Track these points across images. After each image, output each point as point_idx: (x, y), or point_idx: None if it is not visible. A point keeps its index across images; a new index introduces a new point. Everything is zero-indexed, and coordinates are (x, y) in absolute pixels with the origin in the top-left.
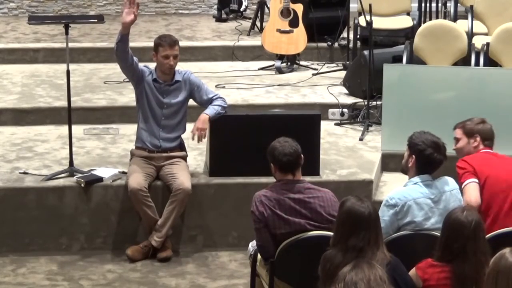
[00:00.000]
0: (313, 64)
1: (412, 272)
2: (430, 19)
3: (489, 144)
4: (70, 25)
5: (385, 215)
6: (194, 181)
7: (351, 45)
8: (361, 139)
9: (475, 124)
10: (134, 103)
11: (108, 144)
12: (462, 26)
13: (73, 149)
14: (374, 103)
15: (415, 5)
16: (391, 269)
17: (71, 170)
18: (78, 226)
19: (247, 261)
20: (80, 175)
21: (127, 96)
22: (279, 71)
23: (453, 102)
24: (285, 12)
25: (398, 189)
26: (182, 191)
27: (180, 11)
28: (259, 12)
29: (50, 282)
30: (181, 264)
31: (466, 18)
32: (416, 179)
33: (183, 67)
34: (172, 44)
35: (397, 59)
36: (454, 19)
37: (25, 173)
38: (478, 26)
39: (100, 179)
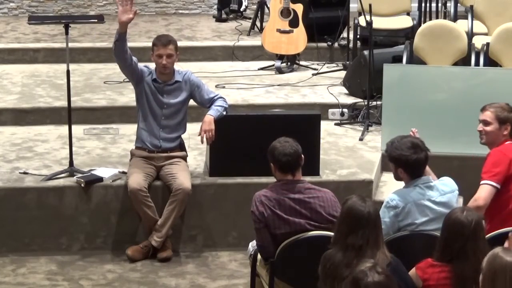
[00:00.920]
0: (313, 64)
1: (412, 272)
2: (430, 19)
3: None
4: (70, 25)
5: (385, 216)
6: (194, 181)
7: (351, 45)
8: (361, 139)
9: (506, 111)
10: (134, 103)
11: (108, 144)
12: (462, 26)
13: (73, 149)
14: (374, 103)
15: (415, 5)
16: (391, 270)
17: (71, 170)
18: (78, 226)
19: (247, 261)
20: (80, 175)
21: (127, 96)
22: (279, 71)
23: (453, 102)
24: (285, 12)
25: (398, 191)
26: (182, 191)
27: (180, 11)
28: (259, 12)
29: (50, 282)
30: (181, 264)
31: (466, 18)
32: (417, 181)
33: (183, 67)
34: (166, 44)
35: (397, 59)
36: (454, 19)
37: (25, 173)
38: (478, 26)
39: (100, 179)
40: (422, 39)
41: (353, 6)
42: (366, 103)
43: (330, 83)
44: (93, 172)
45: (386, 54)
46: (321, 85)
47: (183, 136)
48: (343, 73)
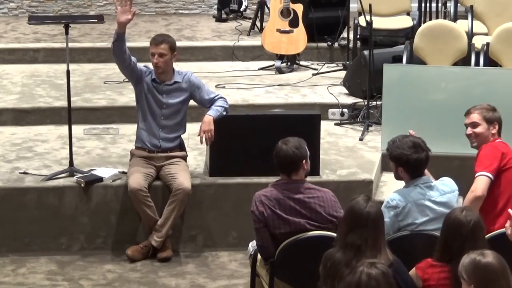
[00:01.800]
0: (313, 64)
1: (412, 272)
2: (430, 19)
3: (499, 132)
4: (70, 25)
5: (385, 216)
6: (194, 181)
7: (351, 45)
8: (361, 139)
9: (491, 111)
10: (134, 103)
11: (108, 144)
12: (462, 26)
13: (73, 149)
14: (374, 103)
15: (415, 5)
16: (393, 270)
17: (71, 170)
18: (78, 226)
19: (247, 261)
20: (80, 175)
21: (127, 96)
22: (279, 71)
23: (453, 102)
24: (285, 12)
25: (399, 190)
26: (182, 191)
27: (180, 11)
28: (259, 12)
29: (50, 282)
30: (181, 264)
31: (466, 18)
32: (417, 181)
33: (183, 67)
34: (158, 43)
35: (397, 59)
36: (454, 19)
37: (25, 173)
38: (478, 26)
39: (100, 179)
40: (422, 39)
41: (353, 6)
42: (366, 103)
43: (330, 83)
44: (93, 172)
45: (386, 54)
46: (321, 85)
47: (183, 136)
48: (343, 73)
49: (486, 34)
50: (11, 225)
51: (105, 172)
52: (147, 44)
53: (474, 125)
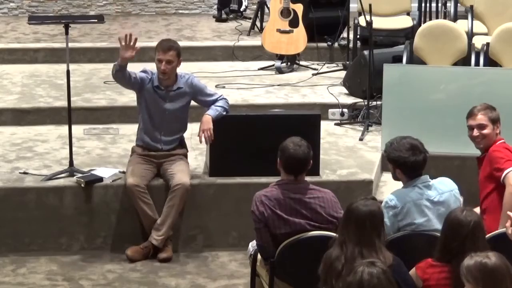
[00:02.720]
0: (313, 64)
1: (412, 272)
2: (430, 19)
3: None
4: (70, 25)
5: (385, 216)
6: (194, 181)
7: (351, 45)
8: (361, 139)
9: (493, 111)
10: (134, 103)
11: (108, 144)
12: (462, 26)
13: (73, 149)
14: (374, 103)
15: (415, 5)
16: (393, 270)
17: (71, 170)
18: (78, 226)
19: (247, 261)
20: (80, 175)
21: (127, 96)
22: (279, 71)
23: (453, 102)
24: (285, 12)
25: (397, 191)
26: (180, 186)
27: (180, 11)
28: (259, 12)
29: (50, 282)
30: (181, 264)
31: (466, 18)
32: (416, 181)
33: (183, 68)
34: (166, 50)
35: (397, 59)
36: (454, 19)
37: (25, 173)
38: (478, 26)
39: (100, 179)
40: (422, 39)
41: (353, 6)
42: (366, 103)
43: (330, 83)
44: (93, 172)
45: (386, 54)
46: (321, 85)
47: (184, 134)
48: (343, 73)
49: (486, 34)
50: (11, 225)
51: (105, 172)
52: (147, 44)
53: (481, 126)
